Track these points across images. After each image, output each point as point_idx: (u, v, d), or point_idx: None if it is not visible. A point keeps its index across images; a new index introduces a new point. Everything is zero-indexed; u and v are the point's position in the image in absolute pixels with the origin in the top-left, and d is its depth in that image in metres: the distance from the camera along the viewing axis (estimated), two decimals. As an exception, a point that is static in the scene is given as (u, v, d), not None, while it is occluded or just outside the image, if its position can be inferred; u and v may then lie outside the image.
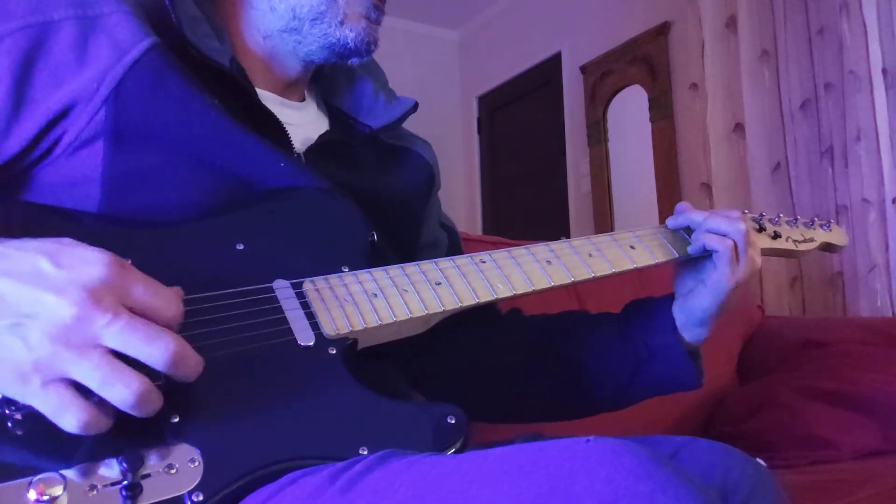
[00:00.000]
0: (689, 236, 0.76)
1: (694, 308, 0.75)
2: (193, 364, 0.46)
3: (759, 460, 0.57)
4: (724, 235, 0.72)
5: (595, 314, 0.85)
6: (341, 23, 0.72)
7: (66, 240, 0.46)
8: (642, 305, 0.81)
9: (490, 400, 0.82)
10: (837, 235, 0.90)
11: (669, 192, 3.07)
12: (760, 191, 2.42)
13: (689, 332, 0.76)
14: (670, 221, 0.78)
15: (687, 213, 0.77)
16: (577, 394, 0.81)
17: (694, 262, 0.76)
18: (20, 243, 0.45)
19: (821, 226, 0.89)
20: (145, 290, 0.45)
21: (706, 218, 0.75)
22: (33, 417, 0.43)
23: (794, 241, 0.85)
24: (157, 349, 0.43)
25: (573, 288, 1.42)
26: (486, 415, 0.82)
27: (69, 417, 0.42)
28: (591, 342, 0.80)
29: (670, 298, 0.79)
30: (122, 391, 0.42)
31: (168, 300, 0.46)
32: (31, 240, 0.45)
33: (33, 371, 0.41)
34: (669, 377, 0.77)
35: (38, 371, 0.41)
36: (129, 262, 0.47)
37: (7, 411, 0.44)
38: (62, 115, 0.58)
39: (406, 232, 0.81)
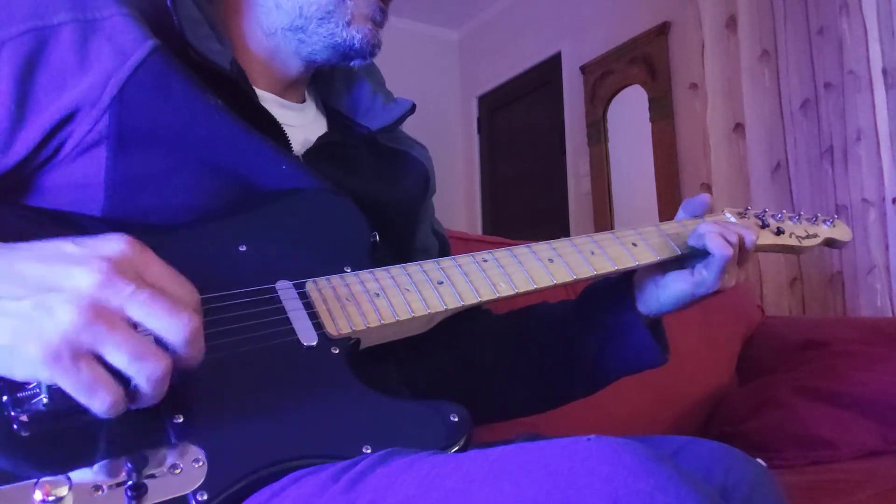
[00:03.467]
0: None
1: (671, 288, 0.75)
2: (201, 348, 0.46)
3: (759, 460, 0.58)
4: (728, 243, 0.72)
5: (558, 302, 0.86)
6: (348, 23, 0.72)
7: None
8: (601, 286, 0.82)
9: (475, 401, 0.83)
10: (841, 231, 0.89)
11: (669, 192, 3.08)
12: (760, 191, 2.42)
13: (650, 306, 0.78)
14: (686, 207, 0.80)
15: (706, 208, 0.79)
16: (552, 384, 0.83)
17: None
18: (44, 239, 0.46)
19: (824, 221, 0.88)
20: (163, 270, 0.45)
21: (717, 222, 0.75)
22: (39, 419, 0.44)
23: (798, 237, 0.84)
24: (179, 322, 0.43)
25: (571, 287, 1.42)
26: (474, 416, 0.83)
27: (101, 395, 0.42)
28: (558, 331, 0.82)
29: (628, 277, 0.80)
30: (151, 366, 0.42)
31: (184, 282, 0.46)
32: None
33: (62, 343, 0.40)
34: (633, 355, 0.79)
35: (66, 343, 0.40)
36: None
37: (13, 413, 0.44)
38: (66, 119, 0.58)
39: (401, 235, 0.81)
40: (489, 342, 0.84)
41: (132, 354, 0.42)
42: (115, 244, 0.44)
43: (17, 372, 0.42)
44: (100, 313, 0.41)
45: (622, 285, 0.80)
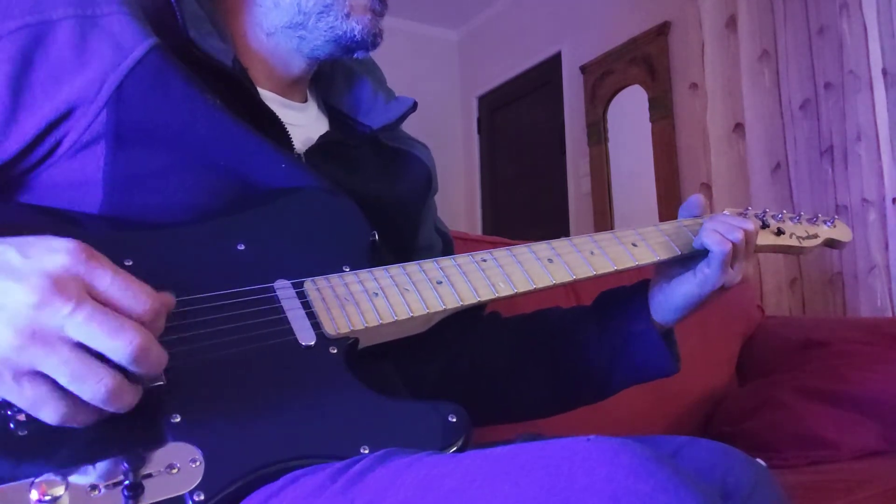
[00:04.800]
0: (692, 232, 0.77)
1: (676, 293, 0.76)
2: (156, 359, 0.44)
3: (759, 460, 0.58)
4: (726, 238, 0.72)
5: (570, 308, 0.87)
6: (347, 15, 0.72)
7: (45, 236, 0.45)
8: (615, 294, 0.82)
9: (475, 401, 0.83)
10: (841, 231, 0.89)
11: (669, 192, 3.07)
12: (760, 191, 2.42)
13: (662, 315, 0.78)
14: (683, 212, 0.80)
15: (701, 207, 0.79)
16: (561, 389, 0.83)
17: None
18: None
19: (824, 222, 0.88)
20: (113, 280, 0.43)
21: (713, 217, 0.76)
22: (35, 418, 0.43)
23: (798, 237, 0.84)
24: (120, 342, 0.42)
25: (571, 287, 1.42)
26: (473, 417, 0.83)
27: (47, 410, 0.42)
28: (570, 337, 0.82)
29: (643, 285, 0.80)
30: (93, 387, 0.42)
31: (139, 292, 0.44)
32: (9, 237, 0.44)
33: (2, 365, 0.41)
34: (646, 363, 0.79)
35: (6, 365, 0.41)
36: (98, 252, 0.45)
37: (9, 412, 0.44)
38: (63, 117, 0.58)
39: (403, 234, 0.81)
40: (499, 344, 0.84)
41: (71, 376, 0.41)
42: (59, 256, 0.43)
43: None
44: (35, 335, 0.41)
45: (638, 294, 0.80)
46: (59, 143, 0.59)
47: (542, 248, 0.70)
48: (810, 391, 1.37)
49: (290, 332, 0.56)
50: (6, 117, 0.57)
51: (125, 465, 0.43)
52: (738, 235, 0.72)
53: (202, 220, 0.61)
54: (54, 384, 0.42)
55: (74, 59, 0.58)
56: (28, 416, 0.43)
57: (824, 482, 1.02)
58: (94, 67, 0.58)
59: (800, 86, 2.40)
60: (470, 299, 0.63)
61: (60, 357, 0.41)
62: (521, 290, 0.66)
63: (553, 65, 3.88)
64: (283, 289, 0.58)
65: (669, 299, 0.77)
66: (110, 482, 0.43)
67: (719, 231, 0.73)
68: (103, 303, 0.43)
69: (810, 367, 1.46)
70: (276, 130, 0.70)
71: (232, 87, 0.67)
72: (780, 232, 0.83)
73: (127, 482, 0.43)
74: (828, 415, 1.31)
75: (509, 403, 0.84)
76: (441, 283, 0.63)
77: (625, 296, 0.81)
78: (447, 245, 0.91)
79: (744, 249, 0.73)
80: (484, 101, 4.51)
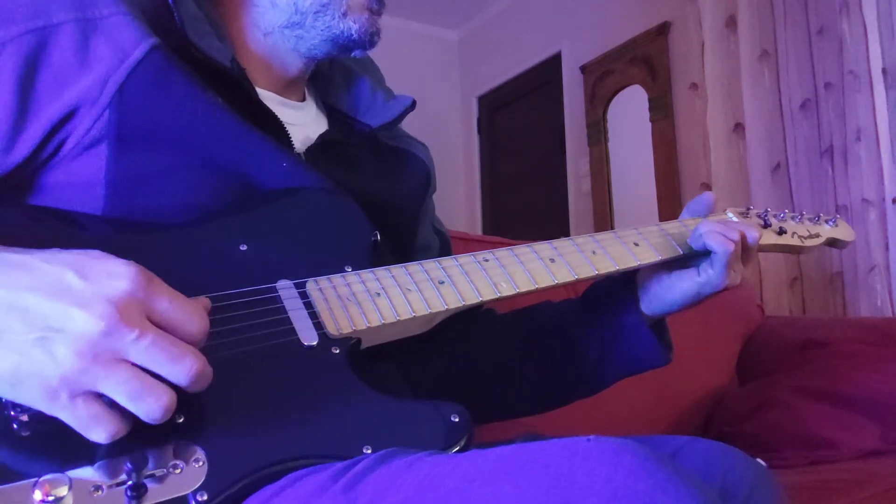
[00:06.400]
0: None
1: (675, 288, 0.75)
2: (208, 379, 0.46)
3: (759, 460, 0.58)
4: (729, 239, 0.72)
5: (561, 301, 0.86)
6: (344, 14, 0.72)
7: (95, 252, 0.45)
8: (605, 286, 0.82)
9: (474, 399, 0.83)
10: (843, 231, 0.89)
11: (669, 192, 3.07)
12: (760, 191, 2.42)
13: (655, 307, 0.78)
14: (689, 207, 0.80)
15: (709, 207, 0.80)
16: (554, 385, 0.83)
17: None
18: (47, 255, 0.45)
19: (826, 221, 0.88)
20: (171, 303, 0.45)
21: (716, 221, 0.75)
22: (38, 418, 0.43)
23: (800, 236, 0.84)
24: (181, 368, 0.43)
25: (573, 286, 1.42)
26: (473, 416, 0.83)
27: (99, 430, 0.43)
28: (561, 332, 0.82)
29: (631, 277, 0.80)
30: (152, 405, 0.43)
31: (193, 314, 0.46)
32: (58, 252, 0.45)
33: (61, 385, 0.41)
34: (637, 356, 0.79)
35: (65, 385, 0.41)
36: (154, 274, 0.46)
37: (13, 413, 0.44)
38: (66, 118, 0.58)
39: (402, 234, 0.82)
40: (492, 342, 0.84)
41: (129, 395, 0.42)
42: (121, 282, 0.43)
43: (20, 400, 0.43)
44: (97, 357, 0.42)
45: (625, 286, 0.80)
46: (62, 144, 0.59)
47: (543, 247, 0.70)
48: (810, 391, 1.37)
49: (293, 332, 0.56)
50: (14, 123, 0.57)
51: (128, 465, 0.43)
52: (736, 236, 0.72)
53: (204, 220, 0.61)
54: (105, 403, 0.43)
55: (77, 62, 0.58)
56: (31, 416, 0.44)
57: (824, 482, 1.02)
58: (97, 70, 0.58)
59: (800, 86, 2.40)
60: (472, 299, 0.63)
61: (121, 377, 0.42)
62: (524, 289, 0.66)
63: (553, 65, 3.88)
64: (285, 289, 0.58)
65: (667, 293, 0.76)
66: (113, 482, 0.43)
67: (721, 232, 0.72)
68: (161, 325, 0.44)
69: (810, 367, 1.46)
70: (275, 130, 0.70)
71: (230, 86, 0.67)
72: (781, 231, 0.83)
73: (130, 482, 0.43)
74: (828, 415, 1.31)
75: (503, 400, 0.84)
76: (443, 282, 0.63)
77: (613, 288, 0.81)
78: (444, 244, 0.91)
79: (741, 253, 0.73)
80: (484, 101, 4.51)
